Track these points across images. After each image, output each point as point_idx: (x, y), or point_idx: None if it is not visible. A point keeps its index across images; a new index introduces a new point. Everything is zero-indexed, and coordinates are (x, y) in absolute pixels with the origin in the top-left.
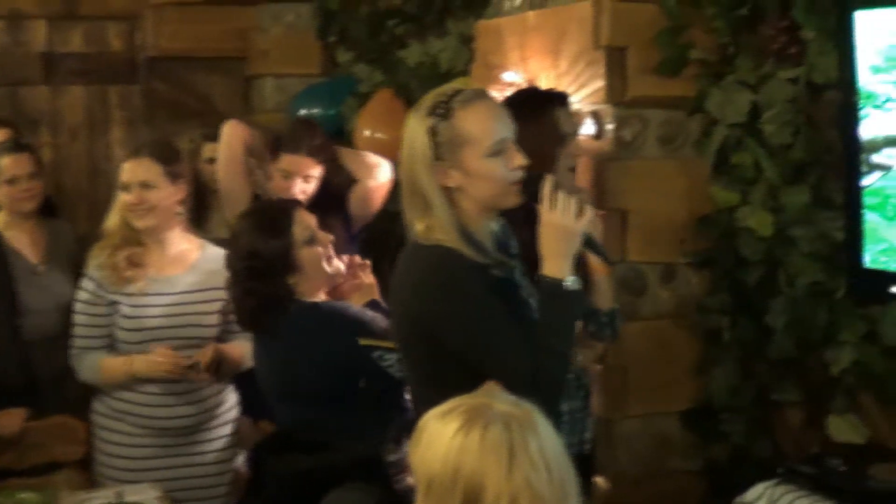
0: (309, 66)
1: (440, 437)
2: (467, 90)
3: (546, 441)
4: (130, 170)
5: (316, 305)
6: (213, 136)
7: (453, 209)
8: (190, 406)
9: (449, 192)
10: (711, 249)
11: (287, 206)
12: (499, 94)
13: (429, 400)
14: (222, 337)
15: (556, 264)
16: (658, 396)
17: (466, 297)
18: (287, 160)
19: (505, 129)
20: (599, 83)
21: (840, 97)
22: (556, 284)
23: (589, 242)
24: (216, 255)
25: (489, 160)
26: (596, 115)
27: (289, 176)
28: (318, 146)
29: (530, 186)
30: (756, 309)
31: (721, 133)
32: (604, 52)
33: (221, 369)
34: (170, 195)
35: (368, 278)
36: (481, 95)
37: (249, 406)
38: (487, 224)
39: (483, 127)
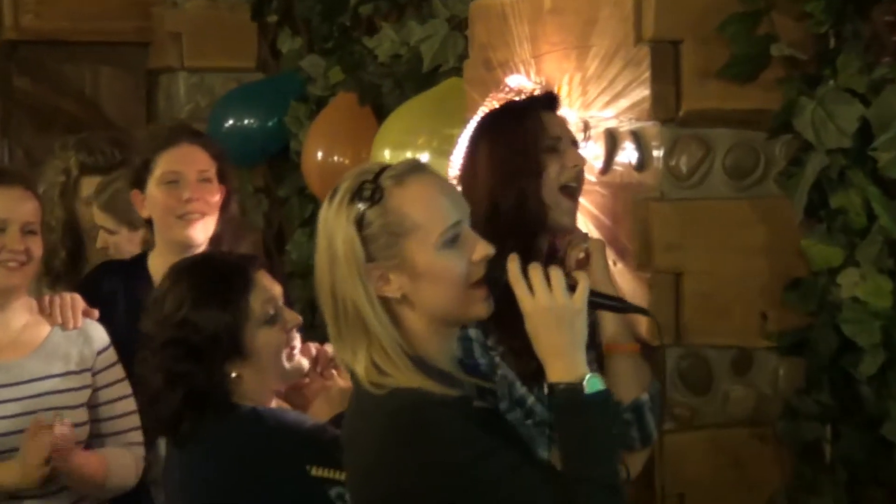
0: (239, 58)
1: None
2: (398, 163)
3: None
4: (8, 204)
5: (256, 414)
6: (94, 167)
7: (397, 330)
8: None
9: (389, 308)
10: (805, 329)
11: (243, 264)
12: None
13: None
14: (90, 443)
15: (563, 364)
16: None
17: (455, 454)
18: (167, 157)
19: (458, 209)
20: (643, 92)
21: None
22: (572, 391)
23: (606, 302)
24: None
25: (442, 253)
26: (637, 137)
27: (177, 180)
28: (204, 136)
29: (493, 276)
30: (869, 414)
31: (817, 163)
32: (649, 48)
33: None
34: (42, 245)
35: (344, 380)
36: (419, 168)
37: None
38: (446, 345)
39: (429, 208)
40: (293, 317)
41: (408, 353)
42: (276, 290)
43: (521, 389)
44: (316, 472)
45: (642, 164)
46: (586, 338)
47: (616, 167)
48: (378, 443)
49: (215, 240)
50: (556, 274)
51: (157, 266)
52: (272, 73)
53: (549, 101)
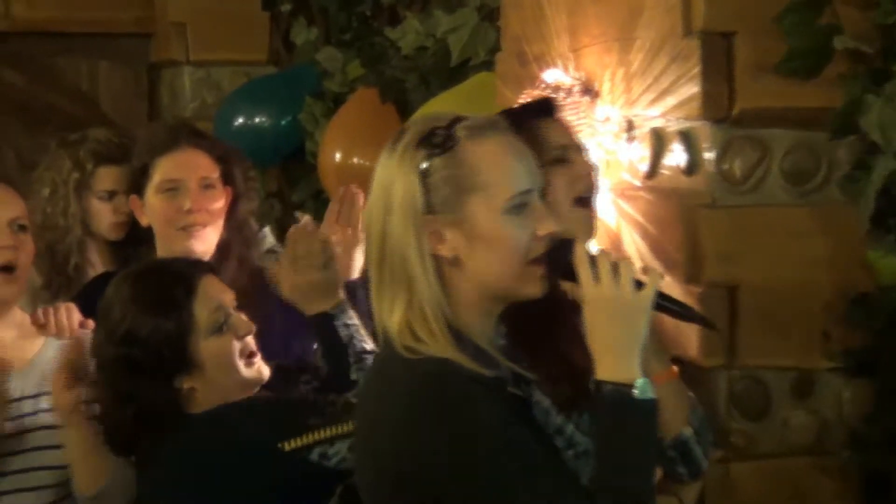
0: (250, 50)
1: None
2: (475, 116)
3: None
4: None
5: (211, 417)
6: (109, 156)
7: (444, 293)
8: None
9: (438, 268)
10: (872, 348)
11: (188, 271)
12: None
13: None
14: None
15: (616, 362)
16: None
17: (483, 436)
18: (166, 163)
19: (532, 177)
20: (692, 88)
21: None
22: (621, 392)
23: (670, 305)
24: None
25: (507, 219)
26: (686, 138)
27: (176, 188)
28: (206, 136)
29: (556, 256)
30: None
31: (886, 166)
32: (699, 40)
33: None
34: (33, 247)
35: None
36: (498, 126)
37: None
38: (487, 322)
39: (502, 169)
40: (246, 324)
41: (447, 321)
42: (226, 297)
43: (558, 418)
44: (289, 445)
45: (692, 167)
46: (645, 340)
47: (663, 171)
48: (403, 408)
49: (223, 248)
50: (626, 265)
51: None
52: (285, 66)
53: (544, 107)
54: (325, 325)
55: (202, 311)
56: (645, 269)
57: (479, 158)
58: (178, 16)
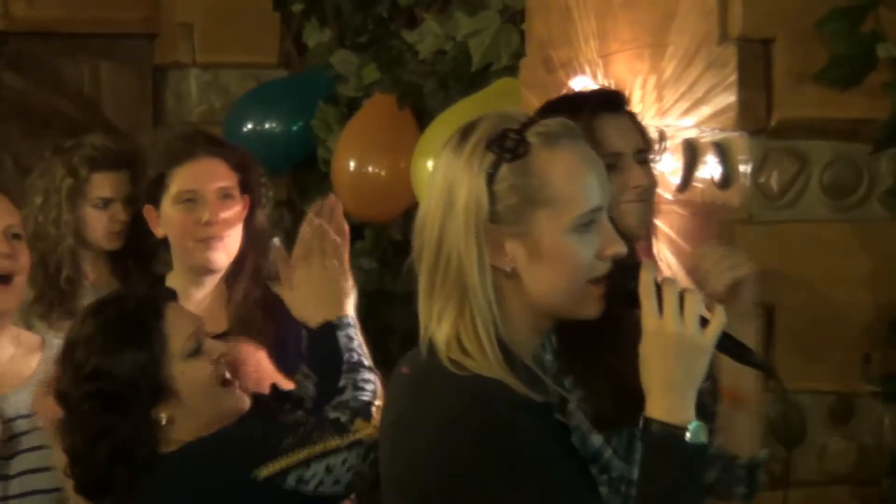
0: (259, 52)
1: None
2: (549, 120)
3: None
4: None
5: (180, 456)
6: (105, 162)
7: (498, 307)
8: None
9: (494, 280)
10: None
11: (153, 296)
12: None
13: None
14: None
15: (670, 401)
16: None
17: (531, 470)
18: (184, 173)
19: (602, 193)
20: (728, 98)
21: None
22: (672, 435)
23: (731, 347)
24: None
25: (573, 237)
26: (721, 150)
27: (194, 199)
28: (223, 144)
29: (620, 280)
30: None
31: None
32: (735, 47)
33: None
34: (28, 255)
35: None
36: (573, 133)
37: None
38: (535, 339)
39: (574, 184)
40: (218, 346)
41: (499, 336)
42: (195, 321)
43: (596, 441)
44: (265, 472)
45: (727, 180)
46: (702, 381)
47: (696, 184)
48: (444, 424)
49: (238, 259)
50: (693, 299)
51: (176, 290)
52: (297, 70)
53: (609, 101)
54: (326, 333)
55: (175, 335)
56: (710, 306)
57: (550, 170)
58: (184, 16)
